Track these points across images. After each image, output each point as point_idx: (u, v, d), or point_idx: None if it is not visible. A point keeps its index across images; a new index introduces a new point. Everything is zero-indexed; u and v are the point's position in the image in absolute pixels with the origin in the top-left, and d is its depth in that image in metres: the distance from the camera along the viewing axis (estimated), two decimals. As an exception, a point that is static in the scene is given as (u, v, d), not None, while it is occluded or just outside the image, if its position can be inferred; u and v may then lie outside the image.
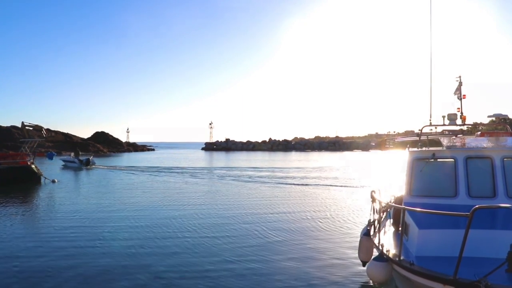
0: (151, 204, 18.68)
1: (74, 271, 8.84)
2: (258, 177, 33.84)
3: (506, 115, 8.80)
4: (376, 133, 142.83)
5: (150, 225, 13.83)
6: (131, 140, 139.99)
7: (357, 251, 8.56)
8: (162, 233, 12.53)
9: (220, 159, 71.27)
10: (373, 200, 8.47)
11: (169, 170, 41.99)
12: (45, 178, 30.47)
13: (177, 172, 38.98)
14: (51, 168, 39.93)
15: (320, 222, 14.41)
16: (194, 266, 9.08)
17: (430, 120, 9.13)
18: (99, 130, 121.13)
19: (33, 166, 30.60)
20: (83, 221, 14.78)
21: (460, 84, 8.99)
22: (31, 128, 34.65)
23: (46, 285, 8.00)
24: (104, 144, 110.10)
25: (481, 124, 10.11)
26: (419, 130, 8.85)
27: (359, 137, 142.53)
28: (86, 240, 11.78)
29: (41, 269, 9.03)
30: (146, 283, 8.10)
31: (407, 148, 8.37)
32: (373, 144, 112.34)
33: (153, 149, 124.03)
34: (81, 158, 49.32)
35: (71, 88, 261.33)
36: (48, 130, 33.34)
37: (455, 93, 9.04)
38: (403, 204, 7.10)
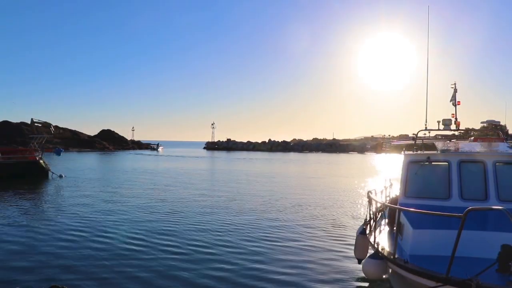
0: (151, 205, 18.86)
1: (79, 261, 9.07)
2: (256, 175, 34.00)
3: (499, 122, 9.08)
4: (372, 136, 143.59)
5: (150, 221, 14.04)
6: (136, 139, 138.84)
7: (353, 249, 8.81)
8: (162, 229, 12.69)
9: (221, 157, 71.38)
10: (370, 200, 8.71)
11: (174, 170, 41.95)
12: (53, 173, 31.13)
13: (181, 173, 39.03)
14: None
15: (317, 220, 14.60)
16: (190, 265, 9.20)
17: (425, 124, 9.38)
18: (106, 128, 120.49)
19: (41, 161, 31.34)
20: (86, 213, 15.02)
21: (455, 91, 9.27)
22: (39, 125, 35.21)
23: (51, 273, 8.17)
24: (110, 142, 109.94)
25: (472, 130, 10.38)
26: (414, 134, 9.11)
27: (355, 139, 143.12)
28: (90, 232, 11.99)
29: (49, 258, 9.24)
30: (147, 276, 8.28)
31: (403, 151, 8.63)
32: (370, 146, 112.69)
33: (154, 148, 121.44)
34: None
35: (78, 87, 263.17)
36: (56, 127, 33.93)
37: (450, 100, 9.32)
38: (398, 204, 7.34)
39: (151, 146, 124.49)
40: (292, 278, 8.24)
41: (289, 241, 11.42)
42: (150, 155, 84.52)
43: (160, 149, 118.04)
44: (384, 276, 6.96)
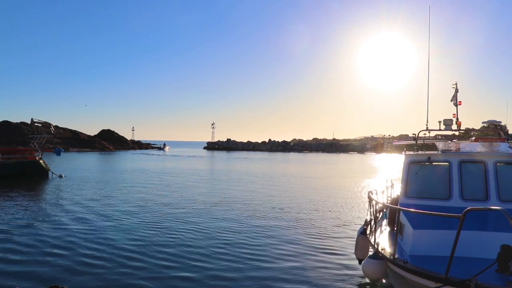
0: (150, 203, 18.85)
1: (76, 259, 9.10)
2: (256, 175, 33.92)
3: (500, 122, 9.06)
4: (372, 136, 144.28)
5: (151, 220, 14.06)
6: (136, 139, 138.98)
7: (353, 249, 8.81)
8: (163, 228, 12.70)
9: (222, 157, 71.44)
10: (370, 200, 8.70)
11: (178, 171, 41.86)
12: (53, 173, 31.24)
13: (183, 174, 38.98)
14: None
15: (317, 220, 14.59)
16: (189, 264, 9.21)
17: (426, 125, 9.36)
18: (106, 128, 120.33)
19: (41, 161, 31.44)
20: (86, 212, 15.03)
21: (456, 91, 9.26)
22: (39, 125, 35.28)
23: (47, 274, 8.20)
24: (110, 142, 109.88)
25: (472, 129, 10.37)
26: (413, 134, 9.10)
27: (355, 139, 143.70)
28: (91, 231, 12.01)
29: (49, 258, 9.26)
30: (146, 279, 8.30)
31: (403, 152, 8.62)
32: (370, 146, 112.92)
33: (160, 147, 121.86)
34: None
35: (78, 87, 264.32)
36: (56, 126, 33.97)
37: (451, 100, 9.30)
38: (398, 205, 7.32)
39: (154, 146, 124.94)
40: (292, 279, 8.23)
41: (289, 241, 11.41)
42: (155, 154, 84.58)
43: (166, 148, 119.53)
44: (384, 277, 6.95)
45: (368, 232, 8.21)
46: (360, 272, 7.96)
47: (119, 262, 9.27)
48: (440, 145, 8.51)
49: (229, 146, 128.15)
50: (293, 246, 10.89)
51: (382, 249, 6.56)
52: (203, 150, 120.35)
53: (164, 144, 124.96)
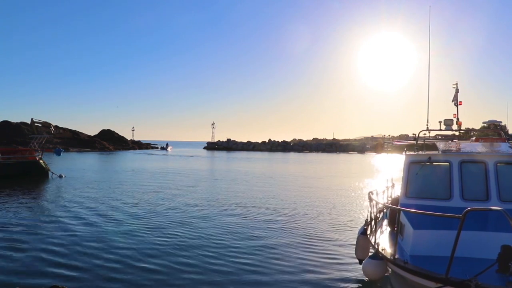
0: (153, 204, 18.85)
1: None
2: (256, 175, 33.91)
3: (500, 122, 9.06)
4: (372, 136, 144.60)
5: (151, 221, 14.07)
6: (136, 139, 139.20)
7: (354, 250, 8.80)
8: (162, 229, 12.71)
9: (222, 157, 71.46)
10: (370, 200, 8.70)
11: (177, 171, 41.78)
12: (53, 173, 31.26)
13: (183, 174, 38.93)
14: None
15: (317, 220, 14.59)
16: (189, 264, 9.22)
17: (427, 125, 9.35)
18: (106, 128, 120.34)
19: (41, 161, 31.48)
20: (87, 212, 15.01)
21: (457, 91, 9.25)
22: (39, 125, 35.31)
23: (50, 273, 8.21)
24: (110, 142, 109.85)
25: (473, 129, 10.36)
26: (413, 134, 9.10)
27: (355, 139, 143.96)
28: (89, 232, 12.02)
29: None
30: (149, 273, 8.31)
31: (404, 152, 8.61)
32: (370, 146, 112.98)
33: (163, 147, 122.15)
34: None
35: (78, 87, 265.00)
36: (56, 127, 34.04)
37: (452, 100, 9.29)
38: (399, 205, 7.32)
39: (154, 146, 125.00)
40: (292, 279, 8.23)
41: (289, 242, 11.39)
42: (157, 154, 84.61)
43: (169, 148, 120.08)
44: (384, 277, 6.95)
45: (368, 232, 8.20)
46: (361, 272, 7.95)
47: (118, 262, 9.26)
48: (441, 145, 8.49)
49: (229, 146, 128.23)
50: (293, 246, 10.87)
51: (382, 249, 6.56)
52: (203, 150, 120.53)
53: (167, 144, 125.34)
